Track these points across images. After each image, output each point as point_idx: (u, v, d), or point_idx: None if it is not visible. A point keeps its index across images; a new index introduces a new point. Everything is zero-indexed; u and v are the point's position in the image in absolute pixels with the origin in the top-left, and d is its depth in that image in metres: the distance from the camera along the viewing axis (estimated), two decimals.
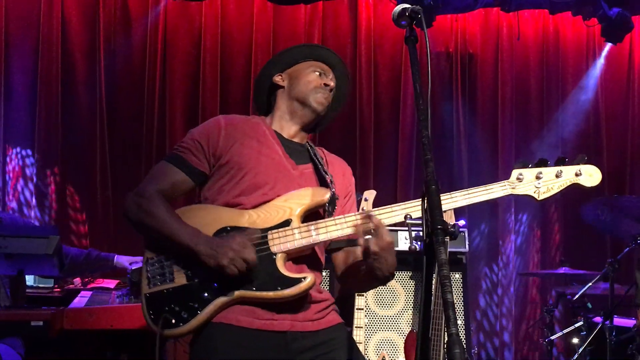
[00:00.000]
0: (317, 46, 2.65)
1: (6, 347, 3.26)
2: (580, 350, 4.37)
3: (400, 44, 6.01)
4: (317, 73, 2.45)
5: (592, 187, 2.22)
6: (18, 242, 3.24)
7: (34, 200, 5.43)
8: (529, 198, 2.21)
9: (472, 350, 4.50)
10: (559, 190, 2.22)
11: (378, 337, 4.28)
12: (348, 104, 2.66)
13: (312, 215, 2.27)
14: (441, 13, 5.78)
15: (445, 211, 2.06)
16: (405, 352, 4.13)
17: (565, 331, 4.73)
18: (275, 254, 2.18)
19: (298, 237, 2.20)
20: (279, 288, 2.14)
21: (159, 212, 2.20)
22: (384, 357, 4.22)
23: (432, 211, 1.60)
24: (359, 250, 2.38)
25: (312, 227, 2.21)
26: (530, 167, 2.22)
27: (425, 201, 1.65)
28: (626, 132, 6.36)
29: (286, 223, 2.21)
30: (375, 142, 5.98)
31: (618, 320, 4.40)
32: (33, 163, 5.47)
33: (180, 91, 5.75)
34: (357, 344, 3.86)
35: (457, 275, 4.42)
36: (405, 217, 2.12)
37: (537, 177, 2.21)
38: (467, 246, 4.46)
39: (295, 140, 2.45)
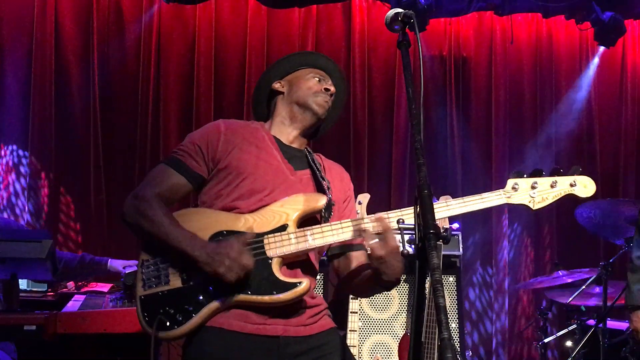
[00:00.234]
0: (315, 54, 2.67)
1: None
2: (574, 353, 4.38)
3: (394, 47, 5.96)
4: (317, 79, 2.47)
5: (586, 198, 2.25)
6: (11, 246, 3.23)
7: (27, 203, 5.42)
8: (524, 207, 2.24)
9: (467, 353, 4.51)
10: (553, 200, 2.25)
11: (372, 341, 4.28)
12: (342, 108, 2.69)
13: (309, 220, 2.27)
14: (435, 17, 5.79)
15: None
16: (399, 356, 4.13)
17: (559, 334, 4.74)
18: (271, 259, 2.18)
19: (294, 242, 2.20)
20: (275, 292, 2.14)
21: (156, 216, 2.19)
22: None
23: (425, 215, 1.61)
24: (362, 256, 2.41)
25: (308, 233, 2.21)
26: (526, 177, 2.25)
27: (418, 205, 1.65)
28: (619, 135, 6.38)
29: (282, 228, 2.22)
30: (369, 146, 5.99)
31: (611, 323, 4.42)
32: (26, 166, 5.46)
33: (175, 94, 5.75)
34: (352, 347, 3.87)
35: (451, 279, 4.42)
36: (398, 222, 2.12)
37: (532, 187, 2.23)
38: (461, 249, 4.47)
39: (294, 145, 2.46)
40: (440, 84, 6.20)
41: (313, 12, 6.01)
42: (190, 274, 2.17)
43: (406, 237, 1.96)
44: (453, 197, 3.90)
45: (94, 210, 5.47)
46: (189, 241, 2.15)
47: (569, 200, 2.30)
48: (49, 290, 4.31)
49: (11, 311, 3.28)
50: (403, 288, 4.36)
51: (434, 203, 1.65)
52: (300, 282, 2.15)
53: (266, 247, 2.19)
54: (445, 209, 2.21)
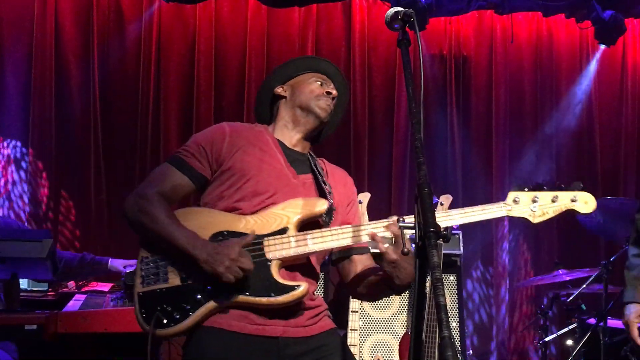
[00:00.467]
0: (317, 58, 2.68)
1: (0, 351, 3.26)
2: (575, 352, 4.38)
3: (394, 46, 5.97)
4: (319, 83, 2.48)
5: (586, 214, 2.26)
6: (11, 246, 3.23)
7: (27, 203, 5.42)
8: (524, 220, 2.25)
9: (467, 352, 4.51)
10: (554, 214, 2.26)
11: (373, 340, 4.28)
12: None
13: (309, 224, 2.27)
14: (435, 16, 5.79)
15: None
16: (399, 354, 4.13)
17: (559, 333, 4.75)
18: (270, 261, 2.18)
19: (294, 245, 2.20)
20: (273, 294, 2.14)
21: (158, 213, 2.20)
22: (378, 359, 4.22)
23: (425, 214, 1.61)
24: (367, 259, 2.42)
25: (309, 237, 2.22)
26: (527, 191, 2.26)
27: (418, 204, 1.65)
28: (619, 134, 6.38)
29: (283, 231, 2.22)
30: (370, 145, 5.99)
31: (612, 322, 4.42)
32: (27, 165, 5.46)
33: (175, 94, 5.75)
34: (352, 347, 3.87)
35: (451, 277, 4.42)
36: (398, 220, 2.12)
37: (533, 201, 2.25)
38: (461, 248, 4.47)
39: (297, 149, 2.46)
40: (441, 83, 6.20)
41: (313, 11, 6.01)
42: (190, 272, 2.17)
43: (407, 236, 1.96)
44: (453, 196, 3.93)
45: (95, 210, 5.47)
46: (190, 240, 2.15)
47: None
48: (50, 289, 4.32)
49: (12, 311, 3.29)
50: None
51: (435, 212, 1.66)
52: (298, 286, 2.16)
53: (266, 249, 2.19)
54: (446, 218, 2.21)
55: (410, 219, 2.10)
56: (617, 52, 6.41)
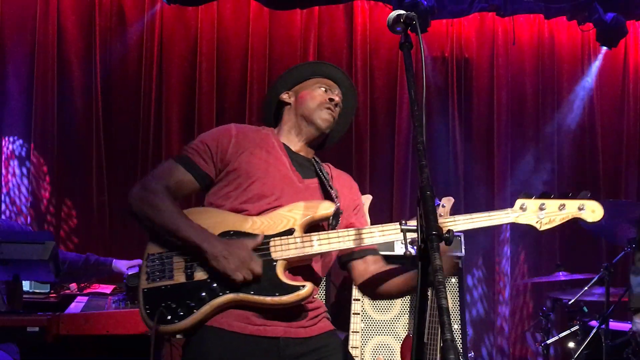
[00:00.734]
0: (323, 63, 2.69)
1: (2, 353, 3.26)
2: (577, 354, 4.38)
3: (396, 48, 5.93)
4: (323, 89, 2.50)
5: (593, 223, 2.26)
6: (14, 248, 3.24)
7: (29, 205, 5.42)
8: (530, 227, 2.25)
9: (469, 354, 4.51)
10: (560, 222, 2.27)
11: (374, 342, 4.28)
12: None
13: (316, 227, 2.28)
14: (436, 18, 5.78)
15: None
16: (401, 357, 4.13)
17: (561, 335, 4.74)
18: (275, 261, 2.19)
19: (300, 246, 2.21)
20: (277, 294, 2.15)
21: (165, 205, 2.22)
22: None
23: (427, 217, 1.61)
24: (380, 260, 2.46)
25: (315, 238, 2.23)
26: (534, 199, 2.26)
27: (420, 207, 1.66)
28: (621, 136, 6.38)
29: (289, 232, 2.23)
30: (371, 147, 5.99)
31: (614, 324, 4.41)
32: (29, 166, 5.47)
33: (176, 96, 5.75)
34: (354, 349, 3.87)
35: (453, 280, 4.43)
36: (400, 223, 2.13)
37: (540, 209, 2.25)
38: (463, 251, 4.47)
39: (302, 154, 2.49)
40: (442, 85, 6.20)
41: (315, 13, 6.01)
42: (195, 270, 2.18)
43: (408, 239, 1.97)
44: (455, 198, 3.93)
45: (96, 210, 5.48)
46: (199, 233, 2.17)
47: None
48: (52, 291, 4.32)
49: (14, 312, 3.30)
50: None
51: (440, 217, 1.66)
52: (303, 286, 2.17)
53: (272, 249, 2.21)
54: (452, 224, 2.22)
55: (412, 222, 2.10)
56: (619, 55, 6.42)
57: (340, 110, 2.53)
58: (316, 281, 2.36)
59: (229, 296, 2.15)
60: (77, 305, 3.52)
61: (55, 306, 4.04)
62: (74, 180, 5.55)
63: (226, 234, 2.22)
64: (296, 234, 2.22)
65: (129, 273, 3.65)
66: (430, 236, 1.58)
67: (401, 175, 5.99)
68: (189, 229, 2.17)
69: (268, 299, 2.15)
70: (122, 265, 4.14)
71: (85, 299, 3.79)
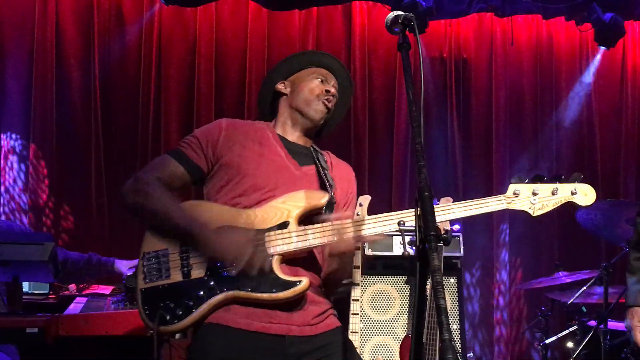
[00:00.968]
0: (320, 53, 2.71)
1: (1, 354, 3.26)
2: (575, 354, 4.38)
3: (395, 49, 5.92)
4: (319, 80, 2.50)
5: (587, 206, 2.26)
6: (13, 249, 3.24)
7: (27, 206, 5.42)
8: (524, 213, 2.25)
9: (468, 355, 4.50)
10: (553, 207, 2.26)
11: (373, 342, 4.28)
12: None
13: (311, 217, 2.29)
14: (435, 18, 5.79)
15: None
16: (400, 357, 4.13)
17: (560, 335, 4.74)
18: (271, 256, 2.19)
19: (295, 240, 2.22)
20: (274, 290, 2.16)
21: (156, 193, 2.24)
22: None
23: (425, 217, 1.62)
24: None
25: (309, 231, 2.23)
26: (527, 183, 2.26)
27: (419, 207, 1.66)
28: (620, 136, 6.38)
29: (284, 225, 2.24)
30: (370, 147, 5.99)
31: (612, 324, 4.42)
32: (28, 167, 5.47)
33: (175, 97, 5.75)
34: None
35: (452, 280, 4.42)
36: (399, 223, 2.14)
37: (533, 194, 2.25)
38: (462, 251, 4.47)
39: (299, 143, 2.51)
40: (441, 85, 6.20)
41: (313, 14, 6.01)
42: (191, 268, 2.19)
43: (407, 239, 1.97)
44: (453, 198, 3.93)
45: (95, 212, 5.48)
46: (189, 219, 2.20)
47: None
48: (51, 292, 4.32)
49: (13, 314, 3.30)
50: (404, 289, 4.36)
51: (435, 206, 1.67)
52: (299, 281, 2.17)
53: (267, 244, 2.21)
54: (447, 212, 2.22)
55: (410, 222, 2.11)
56: (617, 55, 6.42)
57: (336, 100, 2.54)
58: (317, 269, 2.37)
59: (227, 294, 2.15)
60: (76, 306, 3.52)
61: (54, 307, 4.03)
62: (73, 180, 5.55)
63: (221, 229, 2.22)
64: (291, 227, 2.23)
65: (128, 274, 3.65)
66: (429, 236, 1.59)
67: (400, 176, 6.00)
68: (180, 216, 2.20)
69: (265, 295, 2.15)
70: (123, 265, 4.14)
71: (84, 299, 3.79)
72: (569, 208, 2.29)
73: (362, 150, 5.95)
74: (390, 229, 2.22)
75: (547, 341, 4.78)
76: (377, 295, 4.33)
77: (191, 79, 5.77)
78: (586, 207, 2.25)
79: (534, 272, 6.06)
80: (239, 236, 2.15)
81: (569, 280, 4.81)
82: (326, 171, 2.44)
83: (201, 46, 5.79)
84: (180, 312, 2.14)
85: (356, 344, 3.90)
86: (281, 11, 5.88)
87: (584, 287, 4.54)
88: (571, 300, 4.61)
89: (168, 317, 2.14)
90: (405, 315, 4.32)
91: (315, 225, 2.24)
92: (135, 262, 4.01)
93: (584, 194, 2.24)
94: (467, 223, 5.82)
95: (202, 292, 2.16)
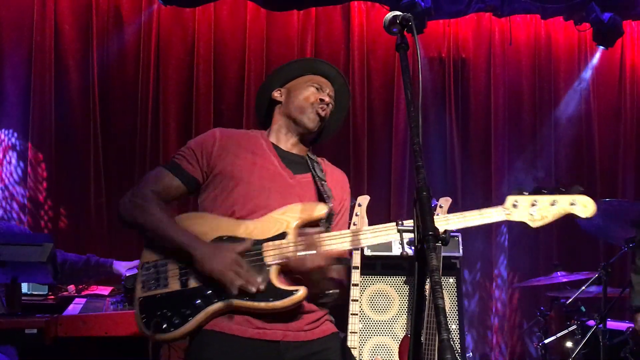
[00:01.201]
0: (316, 60, 2.70)
1: (0, 355, 3.26)
2: (574, 353, 4.38)
3: (393, 49, 5.93)
4: (314, 88, 2.49)
5: (586, 218, 2.24)
6: (12, 250, 3.24)
7: (26, 207, 5.42)
8: (523, 225, 2.24)
9: (467, 354, 4.51)
10: (553, 219, 2.24)
11: (372, 342, 4.28)
12: None
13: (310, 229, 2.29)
14: (433, 18, 5.79)
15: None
16: (399, 357, 4.13)
17: (559, 335, 4.75)
18: (269, 266, 2.19)
19: (293, 250, 2.21)
20: (271, 299, 2.15)
21: (153, 210, 2.24)
22: None
23: (424, 217, 1.62)
24: (341, 270, 2.45)
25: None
26: (526, 195, 2.25)
27: (417, 207, 1.66)
28: (618, 136, 6.39)
29: (282, 236, 2.23)
30: (369, 148, 5.99)
31: (611, 324, 4.42)
32: (26, 169, 5.46)
33: (174, 97, 5.75)
34: (352, 349, 3.87)
35: (451, 280, 4.42)
36: (397, 223, 2.14)
37: (532, 205, 2.23)
38: (461, 251, 4.47)
39: (294, 151, 2.49)
40: (439, 85, 6.20)
41: (312, 14, 6.01)
42: (189, 277, 2.20)
43: (405, 239, 1.97)
44: (452, 198, 3.94)
45: (94, 213, 5.47)
46: (186, 237, 2.20)
47: None
48: (50, 293, 4.32)
49: (12, 315, 3.29)
50: (403, 289, 4.36)
51: (433, 215, 1.66)
52: (296, 290, 2.17)
53: (265, 254, 2.21)
54: (445, 223, 2.21)
55: (409, 222, 2.11)
56: (616, 54, 6.43)
57: (332, 107, 2.53)
58: None
59: (224, 303, 2.15)
60: (75, 307, 3.51)
61: (53, 308, 4.03)
62: (72, 181, 5.54)
63: (219, 239, 2.23)
64: (289, 237, 2.22)
65: (127, 275, 3.65)
66: (427, 237, 1.59)
67: (399, 176, 6.00)
68: (176, 233, 2.19)
69: (262, 304, 2.15)
70: (121, 267, 4.14)
71: (83, 300, 3.79)
72: (569, 217, 2.27)
73: (361, 151, 5.95)
74: (389, 239, 2.22)
75: (546, 341, 4.78)
76: (376, 296, 4.33)
77: (190, 79, 5.77)
78: (586, 218, 2.23)
79: (532, 272, 6.06)
80: (234, 254, 2.14)
81: (565, 280, 4.82)
82: (323, 181, 2.43)
83: (200, 46, 5.79)
84: (177, 321, 2.15)
85: (355, 344, 3.90)
86: (280, 11, 5.88)
87: (583, 287, 4.54)
88: (570, 300, 4.61)
89: (165, 325, 2.14)
90: (404, 316, 4.32)
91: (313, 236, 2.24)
92: (133, 263, 4.03)
93: (583, 206, 2.23)
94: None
95: (199, 301, 2.17)
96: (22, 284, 3.75)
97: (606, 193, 6.17)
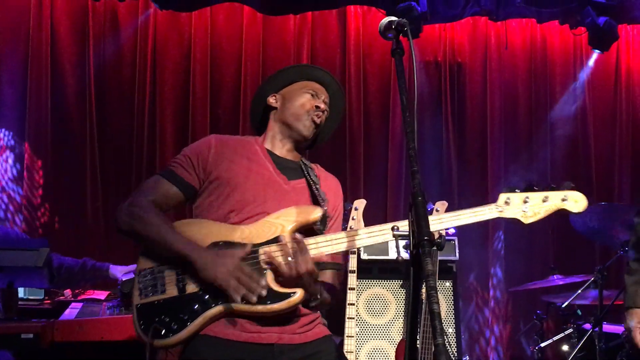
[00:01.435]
0: (311, 66, 2.71)
1: None
2: (571, 357, 4.39)
3: (389, 53, 6.00)
4: (310, 94, 2.50)
5: (578, 213, 2.26)
6: (8, 255, 3.24)
7: (22, 211, 5.41)
8: (515, 221, 2.26)
9: (464, 358, 4.51)
10: (545, 214, 2.26)
11: (369, 346, 4.29)
12: None
13: (305, 232, 2.29)
14: (429, 23, 5.81)
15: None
16: None
17: (555, 338, 4.75)
18: (265, 269, 2.20)
19: (284, 254, 2.21)
20: (269, 302, 2.16)
21: (152, 219, 2.24)
22: None
23: (419, 222, 1.62)
24: (332, 275, 2.47)
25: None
26: (518, 192, 2.27)
27: (412, 212, 1.67)
28: (614, 139, 6.40)
29: (277, 239, 2.24)
30: (365, 152, 6.00)
31: (607, 327, 4.43)
32: (22, 173, 5.45)
33: (170, 102, 5.75)
34: (349, 353, 3.87)
35: (447, 284, 4.43)
36: (393, 228, 2.15)
37: (524, 202, 2.25)
38: (457, 255, 4.48)
39: (288, 157, 2.51)
40: (435, 89, 6.21)
41: (308, 19, 6.02)
42: (186, 283, 2.20)
43: (401, 244, 1.98)
44: (448, 202, 3.94)
45: (91, 217, 5.47)
46: (186, 244, 2.19)
47: None
48: (46, 298, 4.31)
49: (8, 319, 3.29)
50: (400, 294, 4.37)
51: (429, 220, 1.67)
52: (294, 292, 2.18)
53: (261, 257, 2.21)
54: (438, 222, 2.23)
55: (404, 227, 2.11)
56: (611, 58, 6.45)
57: (327, 114, 2.54)
58: None
59: (222, 307, 2.16)
60: (71, 312, 3.51)
61: (49, 313, 4.02)
62: (68, 185, 5.54)
63: (216, 245, 2.23)
64: (284, 241, 2.23)
65: (123, 279, 3.65)
66: (422, 242, 1.59)
67: (395, 180, 6.00)
68: (177, 241, 2.19)
69: (260, 307, 2.16)
70: (118, 271, 4.14)
71: (79, 305, 3.78)
72: (563, 216, 2.28)
73: (357, 154, 5.96)
74: (384, 239, 2.23)
75: (543, 344, 4.79)
76: (372, 299, 4.33)
77: (186, 83, 5.77)
78: (578, 213, 2.25)
79: (528, 275, 6.06)
80: (235, 261, 2.14)
81: (562, 283, 4.83)
82: (317, 185, 2.45)
83: (196, 51, 5.80)
84: (176, 326, 2.15)
85: (352, 348, 3.90)
86: (276, 16, 5.89)
87: (579, 291, 4.55)
88: (566, 303, 4.62)
89: (163, 332, 2.15)
90: (401, 319, 4.33)
91: (309, 238, 2.25)
92: (130, 267, 4.02)
93: (575, 201, 2.25)
94: (462, 227, 5.82)
95: (197, 306, 2.17)
96: (18, 288, 3.75)
97: (602, 196, 6.18)
